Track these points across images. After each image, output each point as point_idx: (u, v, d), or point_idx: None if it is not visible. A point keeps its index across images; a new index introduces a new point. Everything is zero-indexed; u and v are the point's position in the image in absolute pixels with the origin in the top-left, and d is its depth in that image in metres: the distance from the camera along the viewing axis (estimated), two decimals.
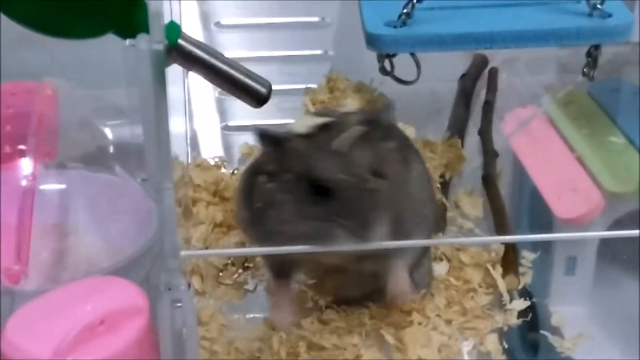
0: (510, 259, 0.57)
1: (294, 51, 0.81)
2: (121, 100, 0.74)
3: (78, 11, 0.40)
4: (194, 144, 0.61)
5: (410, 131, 0.54)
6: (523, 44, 0.50)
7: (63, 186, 0.72)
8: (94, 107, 0.76)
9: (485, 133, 0.59)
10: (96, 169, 0.73)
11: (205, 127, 0.76)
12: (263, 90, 0.44)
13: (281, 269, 0.54)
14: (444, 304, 0.54)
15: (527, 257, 0.62)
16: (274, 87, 0.48)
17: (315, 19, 0.82)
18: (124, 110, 0.74)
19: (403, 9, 0.50)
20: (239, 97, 0.45)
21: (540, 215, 0.76)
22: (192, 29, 0.81)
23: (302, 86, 0.66)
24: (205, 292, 0.55)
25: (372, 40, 0.50)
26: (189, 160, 0.55)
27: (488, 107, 0.60)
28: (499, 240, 0.55)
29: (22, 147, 0.69)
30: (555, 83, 0.82)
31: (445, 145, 0.55)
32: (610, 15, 0.51)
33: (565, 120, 0.77)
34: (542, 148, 0.77)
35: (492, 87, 0.60)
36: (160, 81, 0.39)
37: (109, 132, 0.76)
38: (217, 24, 0.83)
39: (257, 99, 0.44)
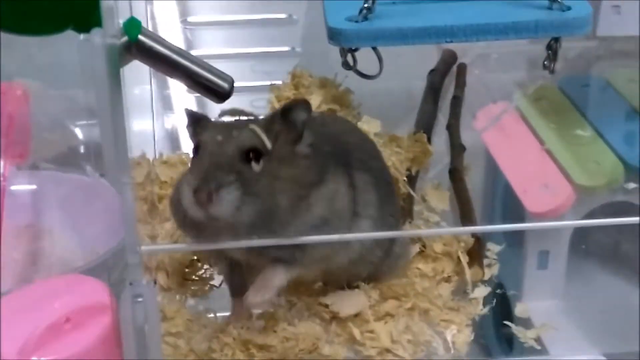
0: (474, 250, 0.57)
1: (262, 48, 0.81)
2: (92, 100, 0.74)
3: (34, 7, 0.40)
4: (161, 141, 0.61)
5: (375, 125, 0.54)
6: (483, 37, 0.51)
7: (35, 187, 0.72)
8: (65, 107, 0.76)
9: (452, 127, 0.60)
10: (68, 169, 0.73)
11: (173, 124, 0.76)
12: (225, 85, 0.44)
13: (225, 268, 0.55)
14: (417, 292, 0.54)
15: (493, 249, 0.62)
16: (242, 84, 0.48)
17: (282, 15, 0.82)
18: (94, 110, 0.73)
19: (364, 3, 0.50)
20: (201, 93, 0.45)
21: (512, 210, 0.76)
22: (160, 27, 0.81)
23: (269, 83, 0.66)
24: (171, 288, 0.55)
25: (333, 35, 0.50)
26: (156, 157, 0.55)
27: (456, 102, 0.60)
28: (463, 231, 0.56)
29: None
30: (526, 79, 0.82)
31: (412, 140, 0.55)
32: (569, 9, 0.51)
33: (536, 115, 0.78)
34: (514, 143, 0.78)
35: (460, 82, 0.60)
36: (116, 76, 0.39)
37: (79, 132, 0.76)
38: (185, 21, 0.83)
39: (219, 94, 0.45)
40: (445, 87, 0.71)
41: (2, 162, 0.67)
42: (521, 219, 0.74)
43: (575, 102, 0.78)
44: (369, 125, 0.54)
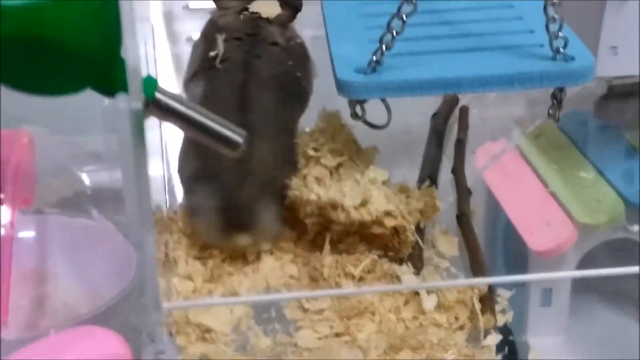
0: (486, 298, 0.58)
1: None
2: (97, 145, 0.75)
3: (55, 68, 0.41)
4: (172, 189, 0.61)
5: (382, 174, 0.55)
6: (489, 89, 0.52)
7: (40, 232, 0.72)
8: (71, 152, 0.77)
9: (458, 171, 0.60)
10: (73, 214, 0.73)
11: None
12: (239, 139, 0.45)
13: None
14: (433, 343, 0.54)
15: (504, 295, 0.62)
16: None
17: None
18: (100, 156, 0.74)
19: (372, 56, 0.51)
20: (215, 147, 0.46)
21: (515, 247, 0.77)
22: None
23: None
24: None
25: (342, 87, 0.51)
26: (167, 207, 0.55)
27: (460, 145, 0.61)
28: (480, 282, 0.56)
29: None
30: (525, 116, 0.83)
31: (422, 193, 0.55)
32: (573, 59, 0.52)
33: (536, 153, 0.79)
34: (515, 181, 0.78)
35: (463, 125, 0.61)
36: (140, 138, 0.39)
37: (86, 178, 0.76)
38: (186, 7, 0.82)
39: (233, 147, 0.45)
40: (448, 127, 0.71)
41: (9, 210, 0.67)
42: (524, 257, 0.75)
43: (575, 139, 0.79)
44: (376, 174, 0.55)
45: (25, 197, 0.72)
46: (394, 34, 0.50)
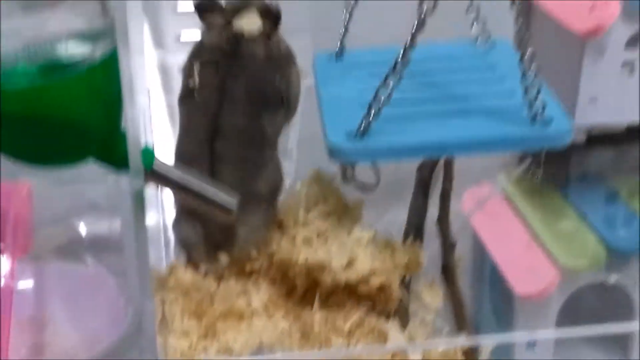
0: (470, 351, 0.59)
1: None
2: (95, 194, 0.77)
3: (58, 143, 0.43)
4: (168, 244, 0.63)
5: (368, 233, 0.57)
6: (473, 152, 0.54)
7: (38, 279, 0.74)
8: (69, 202, 0.79)
9: (442, 222, 0.63)
10: (70, 261, 0.75)
11: None
12: (231, 202, 0.48)
13: None
14: None
15: (486, 348, 0.63)
16: None
17: None
18: (98, 205, 0.76)
19: (361, 123, 0.53)
20: (209, 210, 0.48)
21: (501, 289, 0.79)
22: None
23: None
24: None
25: (333, 152, 0.53)
26: (165, 264, 0.57)
27: (445, 196, 0.63)
28: (462, 343, 0.58)
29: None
30: (511, 160, 0.86)
31: (406, 248, 0.57)
32: (551, 122, 0.54)
33: (521, 197, 0.81)
34: (500, 225, 0.81)
35: (448, 175, 0.63)
36: (141, 213, 0.42)
37: (83, 227, 0.78)
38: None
39: (226, 211, 0.48)
40: (435, 175, 0.73)
41: (9, 261, 0.69)
42: (510, 298, 0.77)
43: (559, 182, 0.82)
44: (362, 234, 0.57)
45: (23, 245, 0.74)
46: (382, 101, 0.52)
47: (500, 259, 0.78)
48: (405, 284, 0.58)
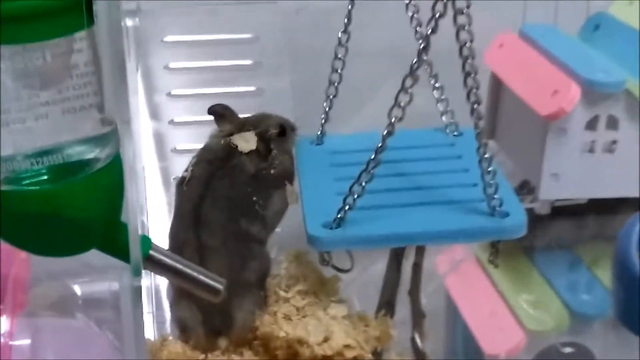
0: None
1: None
2: (89, 256, 0.81)
3: (63, 237, 0.48)
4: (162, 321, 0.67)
5: (343, 310, 0.61)
6: (438, 242, 0.59)
7: (32, 334, 0.78)
8: (65, 262, 0.83)
9: (413, 294, 0.67)
10: (63, 318, 0.79)
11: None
12: (219, 286, 0.52)
13: None
14: None
15: None
16: None
17: None
18: (92, 266, 0.80)
19: (337, 214, 0.58)
20: (198, 293, 0.53)
21: (473, 347, 0.84)
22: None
23: None
24: None
25: (311, 240, 0.58)
26: (155, 337, 0.61)
27: (417, 269, 0.68)
28: None
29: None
30: None
31: (378, 321, 0.62)
32: (507, 215, 0.60)
33: (499, 275, 0.86)
34: (471, 287, 0.86)
35: (420, 249, 0.68)
36: (139, 305, 0.46)
37: (77, 287, 0.82)
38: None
39: (214, 293, 0.52)
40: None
41: (8, 321, 0.73)
42: (481, 356, 0.82)
43: (526, 249, 0.87)
44: (337, 310, 0.62)
45: (20, 303, 0.78)
46: (355, 196, 0.58)
47: (471, 320, 0.82)
48: (377, 354, 0.62)
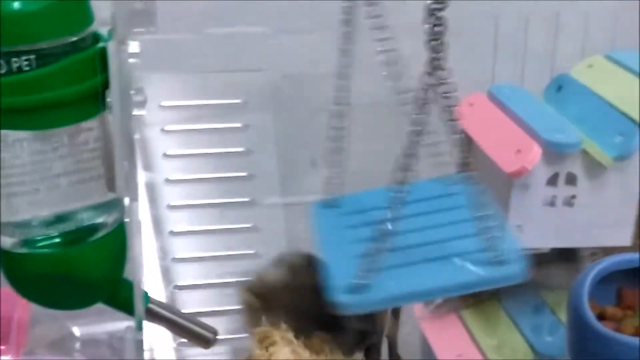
0: None
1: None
2: None
3: (73, 293, 0.54)
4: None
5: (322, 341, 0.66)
6: (448, 294, 0.65)
7: None
8: None
9: (391, 337, 0.73)
10: (61, 356, 0.84)
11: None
12: (210, 336, 0.58)
13: None
14: None
15: None
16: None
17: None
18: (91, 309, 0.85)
19: (355, 281, 0.63)
20: (192, 341, 0.59)
21: None
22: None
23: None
24: None
25: (336, 306, 0.63)
26: None
27: (396, 314, 0.73)
28: None
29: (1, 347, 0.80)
30: None
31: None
32: (509, 263, 0.65)
33: (464, 305, 0.92)
34: (445, 330, 0.92)
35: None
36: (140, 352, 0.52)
37: (77, 330, 0.88)
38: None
39: (206, 342, 0.58)
40: None
41: None
42: None
43: (496, 294, 0.93)
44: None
45: (21, 342, 0.83)
46: (372, 262, 0.62)
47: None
48: None
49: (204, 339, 0.58)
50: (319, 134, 0.74)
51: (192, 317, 0.58)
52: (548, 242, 0.84)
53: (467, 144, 0.91)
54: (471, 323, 0.90)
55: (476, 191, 0.63)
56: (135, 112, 0.48)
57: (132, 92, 0.47)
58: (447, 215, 0.71)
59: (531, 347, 0.85)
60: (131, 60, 0.49)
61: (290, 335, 0.66)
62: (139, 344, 0.52)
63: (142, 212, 0.77)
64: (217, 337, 0.58)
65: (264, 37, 0.82)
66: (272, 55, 0.79)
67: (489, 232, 0.63)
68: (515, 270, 0.64)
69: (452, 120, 0.61)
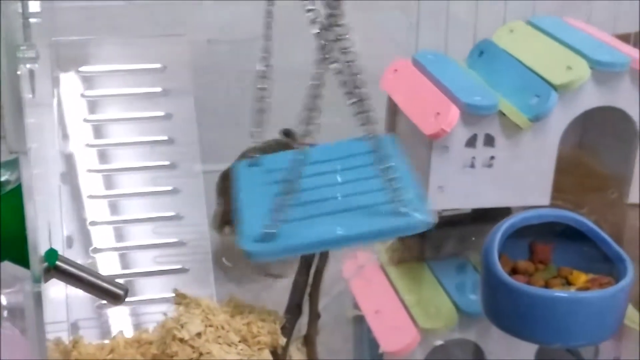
0: None
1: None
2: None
3: None
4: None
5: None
6: (353, 244, 0.66)
7: None
8: None
9: (312, 297, 0.75)
10: None
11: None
12: (120, 292, 0.60)
13: None
14: None
15: None
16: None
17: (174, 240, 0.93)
18: (18, 278, 0.86)
19: (266, 229, 0.65)
20: (103, 298, 0.60)
21: (373, 348, 0.92)
22: None
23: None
24: None
25: (245, 255, 0.65)
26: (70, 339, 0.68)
27: (318, 274, 0.75)
28: None
29: None
30: None
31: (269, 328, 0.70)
32: (414, 213, 0.66)
33: (391, 263, 0.95)
34: (373, 290, 0.94)
35: (324, 255, 0.75)
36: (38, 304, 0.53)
37: (4, 299, 0.88)
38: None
39: (116, 298, 0.60)
40: None
41: None
42: (381, 356, 0.90)
43: (421, 254, 0.95)
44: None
45: None
46: (280, 211, 0.64)
47: (372, 320, 0.91)
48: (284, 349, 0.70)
49: (114, 295, 0.59)
50: (241, 99, 0.75)
51: (101, 274, 0.60)
52: (469, 202, 0.86)
53: (393, 109, 0.94)
54: (398, 284, 0.92)
55: (381, 146, 0.65)
56: (29, 66, 0.48)
57: (22, 47, 0.48)
58: (360, 171, 0.73)
59: (455, 305, 0.87)
60: (32, 20, 0.49)
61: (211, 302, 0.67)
62: (37, 297, 0.53)
63: (60, 176, 0.79)
64: (127, 293, 0.60)
65: (187, 4, 0.83)
66: (195, 21, 0.80)
67: (393, 184, 0.65)
68: (419, 220, 0.66)
69: (353, 74, 0.62)
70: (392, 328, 0.88)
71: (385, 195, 0.67)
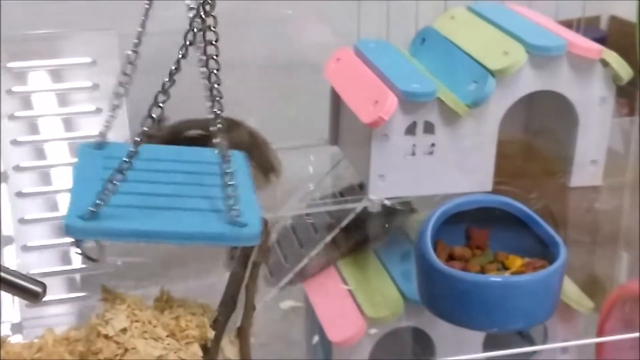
0: None
1: None
2: None
3: None
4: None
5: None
6: (177, 242, 0.65)
7: None
8: None
9: (249, 289, 0.74)
10: None
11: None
12: (38, 289, 0.59)
13: None
14: None
15: None
16: None
17: None
18: None
19: (90, 207, 0.64)
20: (19, 296, 0.59)
21: (322, 340, 0.92)
22: None
23: None
24: None
25: (66, 229, 0.64)
26: None
27: (255, 266, 0.75)
28: None
29: None
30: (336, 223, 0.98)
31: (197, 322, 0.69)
32: (245, 225, 0.66)
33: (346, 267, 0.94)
34: (322, 280, 0.94)
35: (263, 248, 0.75)
36: None
37: None
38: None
39: (34, 296, 0.59)
40: None
41: None
42: (328, 347, 0.90)
43: (370, 243, 0.96)
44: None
45: None
46: (108, 191, 0.64)
47: (320, 310, 0.91)
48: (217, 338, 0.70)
49: (32, 293, 0.58)
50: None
51: (16, 271, 0.59)
52: (410, 190, 0.86)
53: (336, 99, 0.94)
54: (344, 270, 0.92)
55: (229, 156, 0.65)
56: None
57: None
58: (205, 178, 0.72)
59: (401, 292, 0.87)
60: None
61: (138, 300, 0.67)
62: None
63: None
64: (46, 290, 0.59)
65: None
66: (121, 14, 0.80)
67: (230, 192, 0.65)
68: (246, 232, 0.66)
69: (214, 74, 0.62)
70: (339, 317, 0.89)
71: (222, 203, 0.67)
